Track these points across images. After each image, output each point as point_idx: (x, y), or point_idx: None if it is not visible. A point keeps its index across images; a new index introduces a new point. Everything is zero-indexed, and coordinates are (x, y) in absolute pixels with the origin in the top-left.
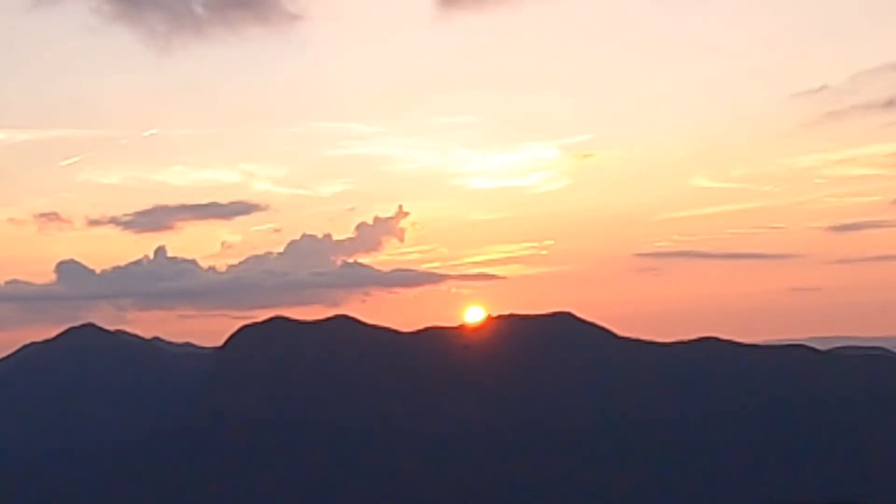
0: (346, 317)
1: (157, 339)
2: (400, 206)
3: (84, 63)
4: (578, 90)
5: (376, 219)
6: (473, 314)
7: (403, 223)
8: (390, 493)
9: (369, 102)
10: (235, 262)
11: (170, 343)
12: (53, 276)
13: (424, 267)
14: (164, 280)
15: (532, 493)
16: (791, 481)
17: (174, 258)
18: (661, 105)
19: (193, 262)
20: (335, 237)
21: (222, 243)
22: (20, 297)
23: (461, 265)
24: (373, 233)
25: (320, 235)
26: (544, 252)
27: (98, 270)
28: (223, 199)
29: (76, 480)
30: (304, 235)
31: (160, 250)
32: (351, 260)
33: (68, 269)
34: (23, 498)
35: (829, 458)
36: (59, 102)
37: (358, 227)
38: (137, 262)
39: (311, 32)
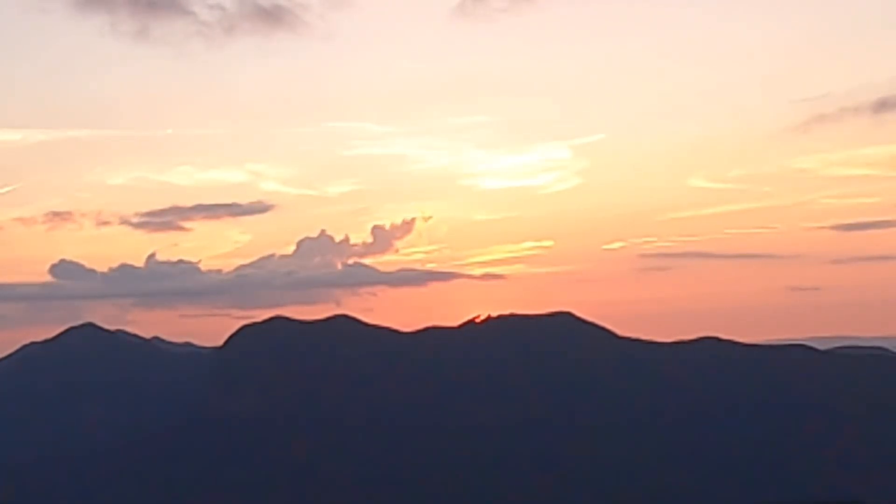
0: (346, 316)
1: (157, 339)
2: (422, 212)
3: (98, 64)
4: (589, 92)
5: (393, 225)
6: (474, 314)
7: (421, 227)
8: (390, 492)
9: (382, 103)
10: (245, 261)
11: (170, 343)
12: (54, 276)
13: (429, 267)
14: (164, 280)
15: (532, 493)
16: (791, 481)
17: (175, 258)
18: (668, 107)
19: (194, 261)
20: (353, 240)
21: (233, 243)
22: (20, 297)
23: (466, 265)
24: (388, 235)
25: (331, 236)
26: (543, 252)
27: (98, 270)
28: (233, 200)
29: (76, 480)
30: (310, 237)
31: (162, 250)
32: (355, 260)
33: (68, 269)
34: (23, 498)
35: (829, 458)
36: (73, 103)
37: (373, 230)
38: (138, 262)
39: (324, 33)
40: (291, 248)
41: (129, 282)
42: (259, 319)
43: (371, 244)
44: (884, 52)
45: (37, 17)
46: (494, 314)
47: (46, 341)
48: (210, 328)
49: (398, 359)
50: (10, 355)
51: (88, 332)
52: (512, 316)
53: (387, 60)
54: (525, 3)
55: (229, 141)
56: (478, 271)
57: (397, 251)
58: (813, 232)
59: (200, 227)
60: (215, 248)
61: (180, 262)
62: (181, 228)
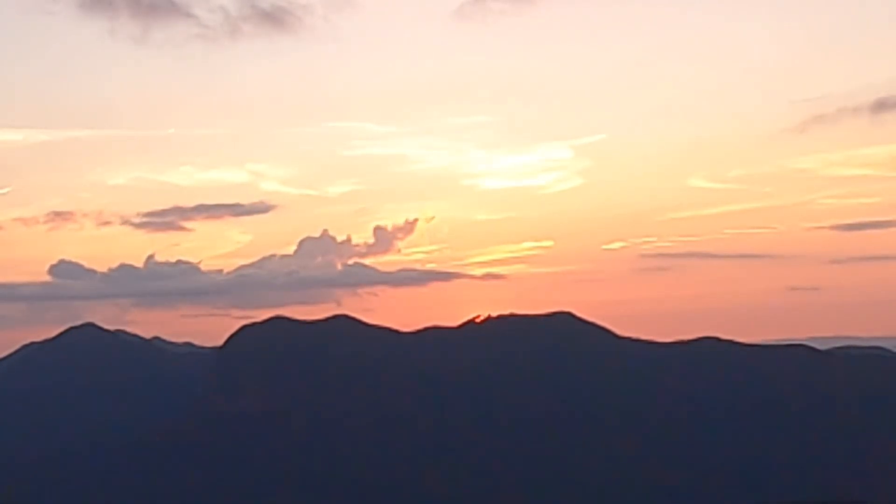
0: (346, 316)
1: (157, 338)
2: (423, 212)
3: (99, 65)
4: (589, 92)
5: (395, 225)
6: (474, 314)
7: (423, 227)
8: (390, 492)
9: (382, 103)
10: (245, 262)
11: (170, 343)
12: (54, 276)
13: (429, 267)
14: (164, 280)
15: (531, 493)
16: (791, 481)
17: (175, 258)
18: (668, 107)
19: (194, 262)
20: (354, 240)
21: (234, 243)
22: (20, 297)
23: (466, 265)
24: (389, 236)
25: (332, 235)
26: (543, 252)
27: (98, 270)
28: (234, 200)
29: (76, 480)
30: (311, 237)
31: (163, 251)
32: (356, 261)
33: (68, 269)
34: (23, 498)
35: (829, 458)
36: (74, 103)
37: (375, 231)
38: (138, 262)
39: (325, 34)
40: (292, 249)
41: (129, 282)
42: (259, 319)
43: (373, 244)
44: (883, 53)
45: (39, 19)
46: (494, 314)
47: (46, 341)
48: (210, 328)
49: (398, 359)
50: (10, 355)
51: (88, 332)
52: (512, 316)
53: (387, 61)
54: (525, 4)
55: (230, 141)
56: (478, 271)
57: (399, 251)
58: (813, 232)
59: (201, 228)
60: (216, 248)
61: (180, 262)
62: (182, 228)
